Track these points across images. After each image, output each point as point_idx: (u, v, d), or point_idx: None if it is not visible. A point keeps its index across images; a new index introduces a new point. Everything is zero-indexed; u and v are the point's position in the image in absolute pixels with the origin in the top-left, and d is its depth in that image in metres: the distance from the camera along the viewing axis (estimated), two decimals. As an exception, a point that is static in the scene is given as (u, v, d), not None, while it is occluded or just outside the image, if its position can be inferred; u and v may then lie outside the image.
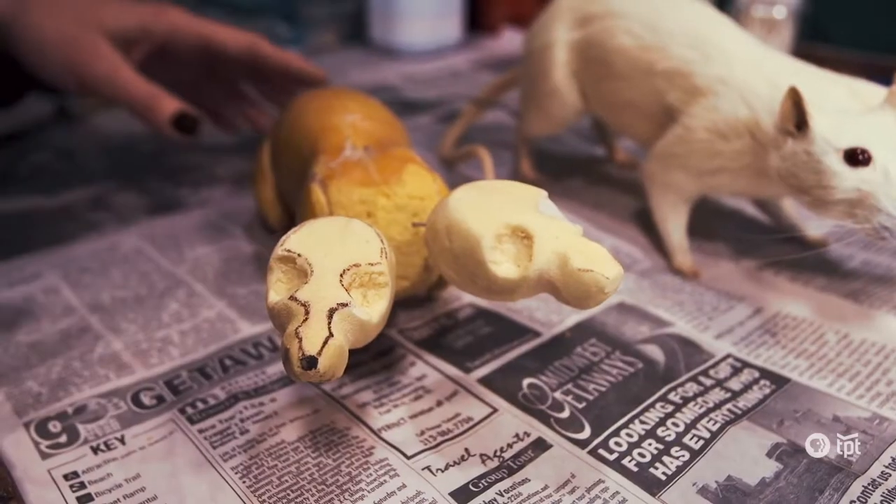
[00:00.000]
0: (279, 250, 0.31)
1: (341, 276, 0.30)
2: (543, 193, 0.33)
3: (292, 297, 0.29)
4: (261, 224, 0.53)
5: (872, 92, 0.42)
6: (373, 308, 0.30)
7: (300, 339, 0.27)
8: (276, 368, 0.39)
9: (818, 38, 0.87)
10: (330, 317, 0.28)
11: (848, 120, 0.38)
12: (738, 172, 0.44)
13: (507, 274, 0.30)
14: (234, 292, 0.45)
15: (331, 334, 0.27)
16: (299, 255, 0.30)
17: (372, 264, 0.30)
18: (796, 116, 0.39)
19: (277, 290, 0.30)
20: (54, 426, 0.35)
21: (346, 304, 0.28)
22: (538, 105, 0.55)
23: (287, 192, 0.47)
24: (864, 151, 0.37)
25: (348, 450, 0.34)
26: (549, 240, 0.30)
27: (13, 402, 0.37)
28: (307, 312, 0.28)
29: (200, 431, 0.35)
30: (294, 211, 0.46)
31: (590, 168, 0.63)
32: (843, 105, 0.41)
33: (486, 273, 0.31)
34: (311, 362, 0.26)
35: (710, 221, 0.52)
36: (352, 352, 0.29)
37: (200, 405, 0.36)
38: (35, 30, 0.50)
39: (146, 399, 0.37)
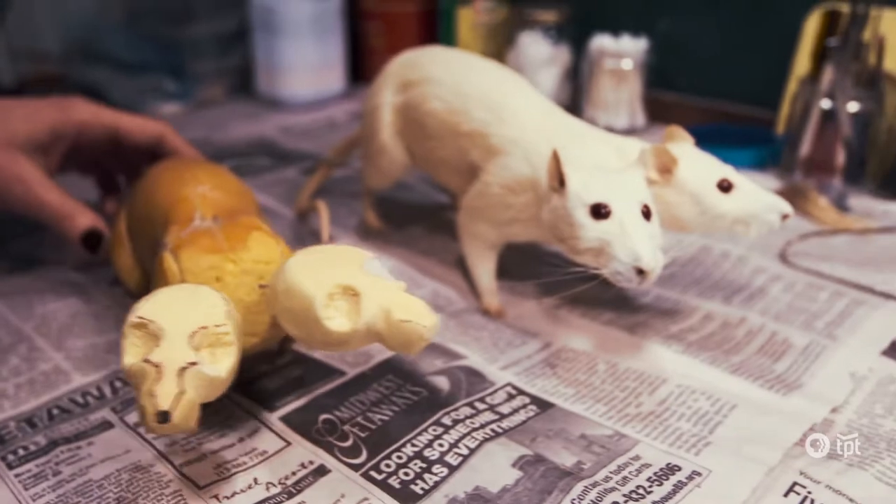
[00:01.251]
0: (132, 318, 0.35)
1: (190, 337, 0.34)
2: (369, 255, 0.38)
3: (146, 360, 0.33)
4: (118, 282, 0.56)
5: (637, 149, 0.48)
6: (221, 364, 0.34)
7: (154, 397, 0.31)
8: (98, 415, 0.43)
9: (664, 86, 0.95)
10: (181, 374, 0.32)
11: (598, 178, 0.44)
12: (527, 223, 0.50)
13: (340, 328, 0.35)
14: (73, 345, 0.49)
15: (182, 390, 0.32)
16: (151, 321, 0.34)
17: (218, 325, 0.35)
18: (558, 175, 0.45)
19: (133, 354, 0.34)
20: None
21: (195, 363, 0.33)
22: (371, 161, 0.61)
23: (143, 259, 0.51)
24: (605, 206, 0.43)
25: (148, 484, 0.38)
26: (374, 296, 0.35)
27: None
28: (159, 372, 0.32)
29: (17, 476, 0.39)
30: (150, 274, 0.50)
31: (433, 215, 0.69)
32: (604, 163, 0.47)
33: (321, 328, 0.35)
34: (164, 416, 0.31)
35: (527, 263, 0.58)
36: (204, 405, 0.33)
37: (21, 451, 0.40)
38: None
39: (-28, 448, 0.41)
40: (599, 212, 0.43)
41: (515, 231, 0.52)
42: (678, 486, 0.37)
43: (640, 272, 0.41)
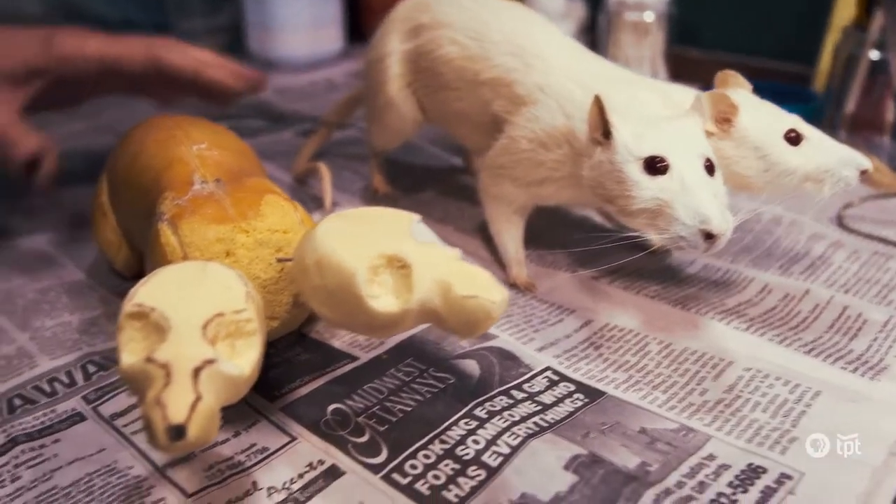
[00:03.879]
0: (128, 306, 0.28)
1: (204, 328, 0.27)
2: (416, 218, 0.31)
3: (149, 359, 0.26)
4: (96, 257, 0.49)
5: (686, 97, 0.42)
6: (243, 359, 0.28)
7: (163, 407, 0.24)
8: (67, 406, 0.37)
9: (688, 41, 0.88)
10: (196, 376, 0.25)
11: (650, 128, 0.38)
12: (561, 182, 0.44)
13: (387, 308, 0.29)
14: (41, 325, 0.43)
15: (199, 397, 0.25)
16: (153, 308, 0.27)
17: (237, 311, 0.28)
18: (602, 125, 0.38)
19: (131, 351, 0.27)
20: None
21: (213, 361, 0.26)
22: (377, 118, 0.54)
23: (132, 234, 0.44)
24: (661, 160, 0.36)
25: (124, 491, 0.31)
26: (428, 268, 0.29)
27: None
28: (168, 375, 0.25)
29: (-33, 481, 0.32)
30: (142, 252, 0.43)
31: (445, 179, 0.62)
32: (653, 112, 0.40)
33: (365, 309, 0.29)
34: (178, 432, 0.24)
35: (555, 231, 0.52)
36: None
37: (-26, 451, 0.34)
38: None
39: (-83, 448, 0.34)
40: (655, 166, 0.37)
41: (547, 192, 0.45)
42: (767, 494, 0.30)
43: (709, 236, 0.35)
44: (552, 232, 0.51)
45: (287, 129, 0.75)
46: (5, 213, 0.57)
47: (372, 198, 0.58)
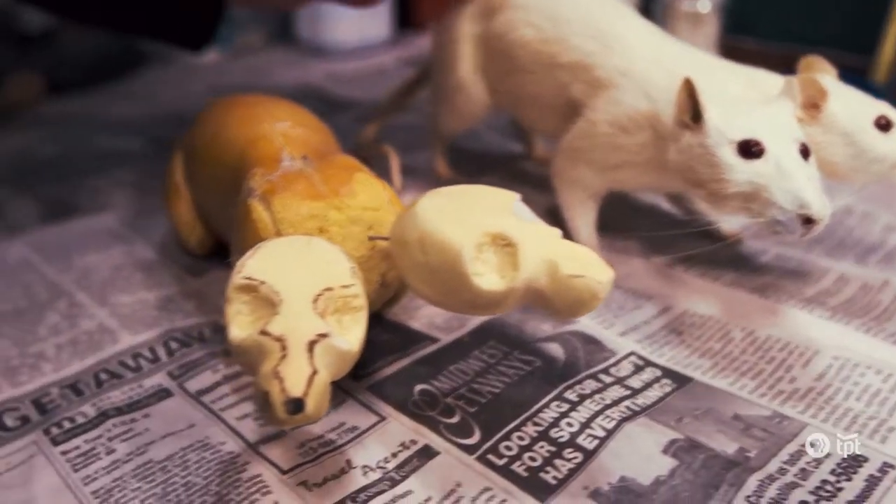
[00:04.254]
0: (237, 279, 0.27)
1: (314, 302, 0.27)
2: (516, 196, 0.31)
3: (263, 332, 0.26)
4: (173, 239, 0.49)
5: (772, 82, 0.41)
6: (350, 335, 0.27)
7: (281, 380, 0.24)
8: (153, 381, 0.37)
9: (742, 32, 0.87)
10: (310, 350, 0.25)
11: (742, 111, 0.37)
12: (641, 167, 0.43)
13: (492, 286, 0.28)
14: (119, 301, 0.43)
15: (315, 370, 0.25)
16: (262, 282, 0.27)
17: (345, 286, 0.28)
18: (692, 108, 0.38)
19: (240, 325, 0.27)
20: None
21: (326, 335, 0.26)
22: (446, 101, 0.54)
23: (208, 211, 0.43)
24: (756, 143, 0.36)
25: (220, 466, 0.31)
26: (535, 246, 0.28)
27: None
28: (284, 348, 0.25)
29: (63, 453, 0.32)
30: (219, 230, 0.43)
31: (507, 165, 0.62)
32: (740, 95, 0.40)
33: (469, 287, 0.28)
34: (296, 405, 0.24)
35: (623, 217, 0.51)
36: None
37: (67, 424, 0.34)
38: None
39: (9, 420, 0.34)
40: (749, 150, 0.36)
41: (624, 176, 0.44)
42: (871, 483, 0.30)
43: (807, 221, 0.34)
44: (621, 219, 0.51)
45: (342, 113, 0.75)
46: (72, 191, 0.57)
47: (435, 182, 0.58)
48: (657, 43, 0.45)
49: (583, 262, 0.28)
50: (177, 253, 0.48)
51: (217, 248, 0.46)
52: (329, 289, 0.27)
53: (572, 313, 0.29)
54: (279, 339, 0.25)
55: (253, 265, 0.28)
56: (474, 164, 0.62)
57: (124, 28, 0.57)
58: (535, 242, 0.29)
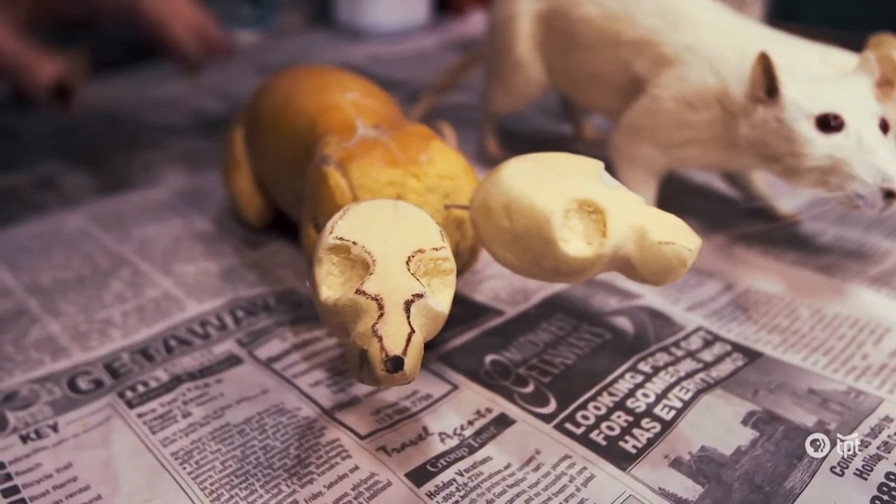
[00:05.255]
0: (329, 239, 0.27)
1: (406, 263, 0.27)
2: (601, 164, 0.31)
3: (359, 291, 0.25)
4: (228, 213, 0.50)
5: (844, 59, 0.40)
6: (441, 297, 0.27)
7: (380, 338, 0.24)
8: (223, 348, 0.37)
9: (788, 16, 0.86)
10: (407, 310, 0.25)
11: (820, 86, 0.37)
12: (707, 144, 0.43)
13: (580, 253, 0.28)
14: (182, 270, 0.43)
15: (412, 329, 0.25)
16: (355, 242, 0.27)
17: (436, 249, 0.28)
18: (767, 83, 0.37)
19: (331, 285, 0.27)
20: (-19, 413, 0.33)
21: (422, 295, 0.26)
22: (502, 80, 0.54)
23: (272, 182, 0.43)
24: (836, 117, 0.35)
25: (297, 431, 0.32)
26: (623, 213, 0.28)
27: (-61, 386, 0.34)
28: (381, 307, 0.25)
29: (139, 416, 0.32)
30: (281, 200, 0.43)
31: (556, 146, 0.61)
32: (814, 71, 0.39)
33: (556, 253, 0.28)
34: (396, 363, 0.23)
35: (679, 197, 0.51)
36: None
37: (141, 388, 0.34)
38: None
39: (83, 384, 0.35)
40: (828, 123, 0.36)
41: (689, 154, 0.44)
42: (958, 455, 0.30)
43: (889, 195, 0.34)
44: (676, 198, 0.50)
45: (392, 91, 0.74)
46: (125, 166, 0.57)
47: (487, 161, 0.58)
48: (725, 20, 0.44)
49: (672, 228, 0.28)
50: (233, 226, 0.48)
51: (274, 221, 0.46)
52: (421, 250, 0.27)
53: (658, 280, 0.28)
54: (376, 299, 0.25)
55: (344, 226, 0.28)
56: (524, 144, 0.61)
57: None
58: (622, 209, 0.28)
